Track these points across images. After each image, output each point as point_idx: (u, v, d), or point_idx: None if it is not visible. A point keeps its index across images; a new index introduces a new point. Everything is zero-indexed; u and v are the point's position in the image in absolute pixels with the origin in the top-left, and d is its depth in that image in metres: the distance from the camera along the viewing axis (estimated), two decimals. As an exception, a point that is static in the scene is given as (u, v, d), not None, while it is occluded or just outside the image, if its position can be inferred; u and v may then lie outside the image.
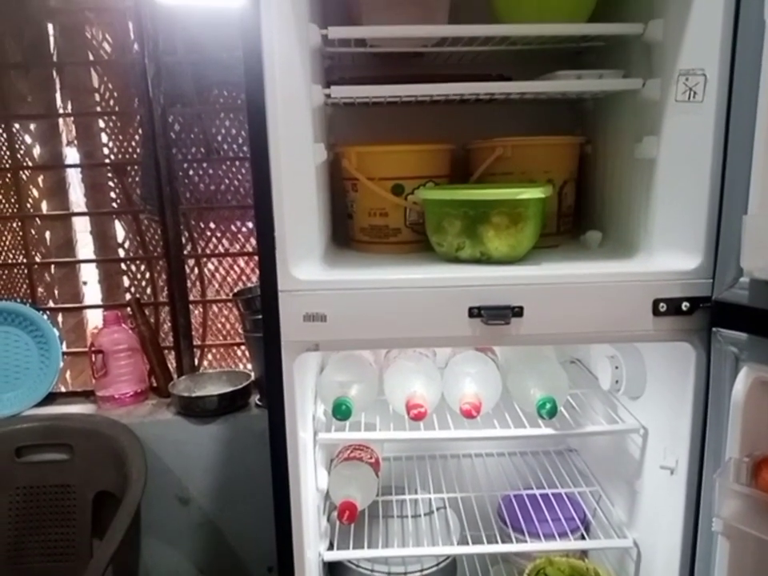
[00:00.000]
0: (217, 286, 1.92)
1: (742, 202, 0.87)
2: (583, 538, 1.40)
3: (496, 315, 0.97)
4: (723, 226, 0.93)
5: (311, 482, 1.15)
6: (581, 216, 1.36)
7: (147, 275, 1.86)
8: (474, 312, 0.98)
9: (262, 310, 0.94)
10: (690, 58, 0.98)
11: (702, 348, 1.00)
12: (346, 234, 1.31)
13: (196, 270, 1.87)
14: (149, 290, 1.86)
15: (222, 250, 1.87)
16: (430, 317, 0.98)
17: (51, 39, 1.72)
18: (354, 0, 1.14)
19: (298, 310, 0.95)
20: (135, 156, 1.79)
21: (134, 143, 1.79)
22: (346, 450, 1.33)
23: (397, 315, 0.97)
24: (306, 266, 0.97)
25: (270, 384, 0.97)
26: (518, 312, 0.98)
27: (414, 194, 1.20)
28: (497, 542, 1.29)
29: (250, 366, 1.87)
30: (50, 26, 1.71)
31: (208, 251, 1.87)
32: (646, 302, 0.99)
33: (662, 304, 0.99)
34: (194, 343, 1.87)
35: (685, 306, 0.99)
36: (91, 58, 1.73)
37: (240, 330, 1.82)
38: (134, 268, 1.87)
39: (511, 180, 1.22)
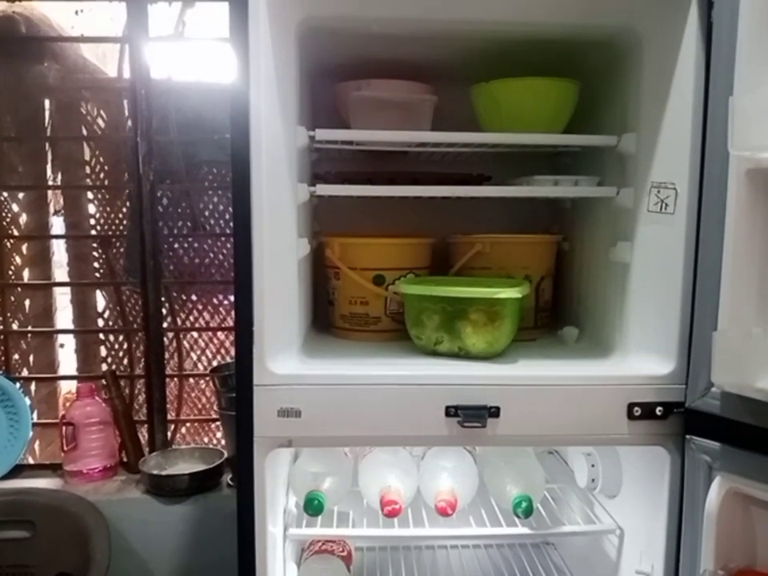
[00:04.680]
0: (195, 357, 1.91)
1: (712, 316, 0.89)
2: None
3: (473, 416, 0.97)
4: (695, 337, 0.95)
5: (279, 578, 1.11)
6: (558, 311, 1.38)
7: (125, 346, 1.84)
8: (451, 411, 0.98)
9: (236, 403, 0.93)
10: (661, 172, 1.02)
11: (677, 453, 1.00)
12: (327, 319, 1.32)
13: (175, 343, 1.85)
14: (125, 361, 1.84)
15: (203, 323, 1.87)
16: (407, 415, 0.98)
17: (47, 114, 1.76)
18: (343, 102, 1.18)
19: (272, 405, 0.94)
20: (121, 228, 1.80)
21: (120, 216, 1.80)
22: (318, 542, 1.29)
23: (373, 412, 0.97)
24: (283, 360, 0.97)
25: (240, 480, 0.95)
26: (494, 412, 0.98)
27: (395, 284, 1.21)
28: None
29: (224, 442, 1.84)
30: (47, 102, 1.75)
31: (188, 323, 1.86)
32: (620, 405, 1.00)
33: (636, 408, 1.00)
34: (168, 417, 1.83)
35: (659, 410, 1.00)
36: (85, 132, 1.77)
37: (215, 407, 1.80)
38: (112, 338, 1.85)
39: (489, 275, 1.24)
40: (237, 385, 0.95)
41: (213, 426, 1.91)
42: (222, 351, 1.89)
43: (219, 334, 1.88)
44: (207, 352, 1.91)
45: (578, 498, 1.34)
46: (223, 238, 1.82)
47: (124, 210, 1.80)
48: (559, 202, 1.42)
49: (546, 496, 1.30)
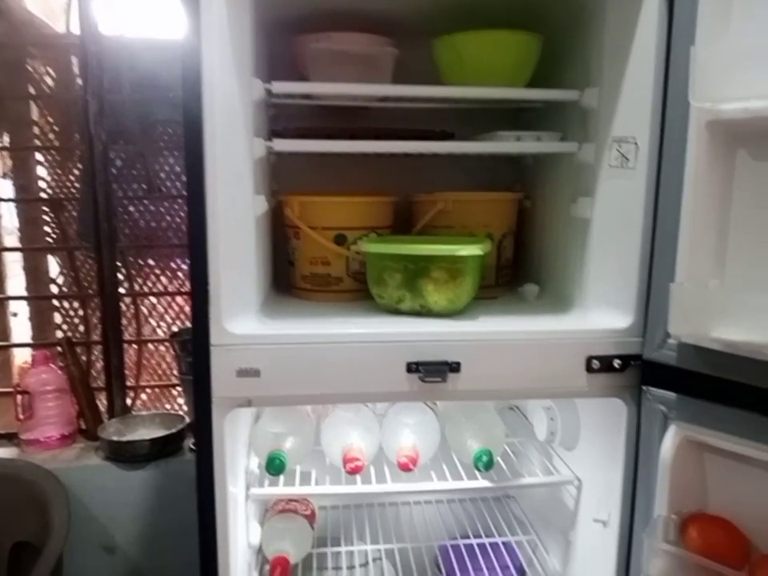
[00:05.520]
0: (155, 323, 1.87)
1: (669, 269, 0.90)
2: (520, 586, 1.40)
3: (433, 371, 0.97)
4: (653, 290, 0.96)
5: (242, 538, 1.11)
6: (519, 268, 1.39)
7: (81, 313, 1.79)
8: (413, 367, 0.97)
9: (192, 364, 0.91)
10: (622, 126, 1.02)
11: (634, 404, 1.02)
12: (288, 280, 1.30)
13: (132, 308, 1.81)
14: (82, 328, 1.80)
15: (161, 288, 1.83)
16: (368, 372, 0.97)
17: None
18: (301, 57, 1.15)
19: (230, 365, 0.92)
20: (74, 191, 1.74)
21: (72, 178, 1.74)
22: (281, 502, 1.29)
23: (333, 370, 0.96)
24: (241, 320, 0.95)
25: (199, 441, 0.94)
26: (455, 368, 0.98)
27: (357, 244, 1.20)
28: (432, 596, 1.27)
29: (186, 408, 1.82)
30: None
31: (146, 289, 1.82)
32: (579, 358, 1.01)
33: (594, 361, 1.01)
34: (128, 384, 1.80)
35: (617, 363, 1.02)
36: (32, 91, 1.69)
37: (176, 373, 1.77)
38: (66, 305, 1.80)
39: (452, 233, 1.24)
40: (193, 345, 0.92)
41: (175, 392, 1.89)
42: (182, 316, 1.85)
43: (179, 299, 1.85)
44: (166, 317, 1.87)
45: (537, 452, 1.37)
46: (180, 200, 1.77)
47: (76, 172, 1.73)
48: (521, 159, 1.41)
49: (507, 450, 1.32)
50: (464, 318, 1.08)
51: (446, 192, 1.24)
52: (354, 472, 1.09)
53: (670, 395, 0.96)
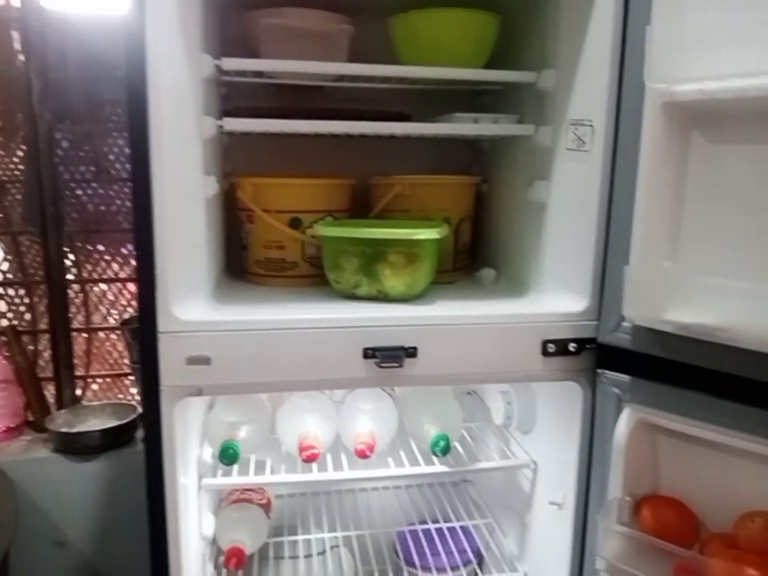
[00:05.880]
0: (105, 311, 1.81)
1: (624, 252, 0.90)
2: (478, 569, 1.41)
3: (390, 357, 0.96)
4: (608, 273, 0.96)
5: (194, 529, 1.08)
6: (477, 253, 1.38)
7: (27, 300, 1.72)
8: (369, 353, 0.96)
9: (139, 351, 0.88)
10: (579, 109, 1.02)
11: (589, 387, 1.03)
12: (241, 265, 1.27)
13: (81, 296, 1.75)
14: (28, 316, 1.73)
15: (112, 274, 1.77)
16: (323, 358, 0.95)
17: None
18: (254, 33, 1.11)
19: (179, 353, 0.89)
20: (17, 173, 1.66)
21: (16, 160, 1.66)
22: (236, 492, 1.27)
23: (287, 357, 0.93)
24: (190, 306, 0.91)
25: (148, 432, 0.91)
26: (411, 353, 0.97)
27: (312, 228, 1.17)
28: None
29: (139, 398, 1.77)
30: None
31: (96, 275, 1.76)
32: (535, 342, 1.01)
33: (550, 345, 1.01)
34: (77, 373, 1.74)
35: (572, 347, 1.02)
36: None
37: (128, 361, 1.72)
38: (12, 292, 1.73)
39: (409, 217, 1.22)
40: (140, 332, 0.89)
41: (128, 381, 1.83)
42: (134, 303, 1.80)
43: (130, 285, 1.79)
44: (117, 305, 1.82)
45: (494, 436, 1.37)
46: (131, 183, 1.71)
47: (20, 153, 1.66)
48: (479, 142, 1.40)
49: (464, 435, 1.32)
50: (421, 303, 1.07)
51: (403, 176, 1.22)
52: (309, 460, 1.07)
53: (625, 378, 0.96)
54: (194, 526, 1.08)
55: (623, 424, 0.95)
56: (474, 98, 1.36)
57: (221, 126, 1.03)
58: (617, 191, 0.94)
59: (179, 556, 0.96)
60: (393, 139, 1.28)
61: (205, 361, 0.89)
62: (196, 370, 0.90)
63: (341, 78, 1.12)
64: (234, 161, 1.31)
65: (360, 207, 1.30)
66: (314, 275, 1.20)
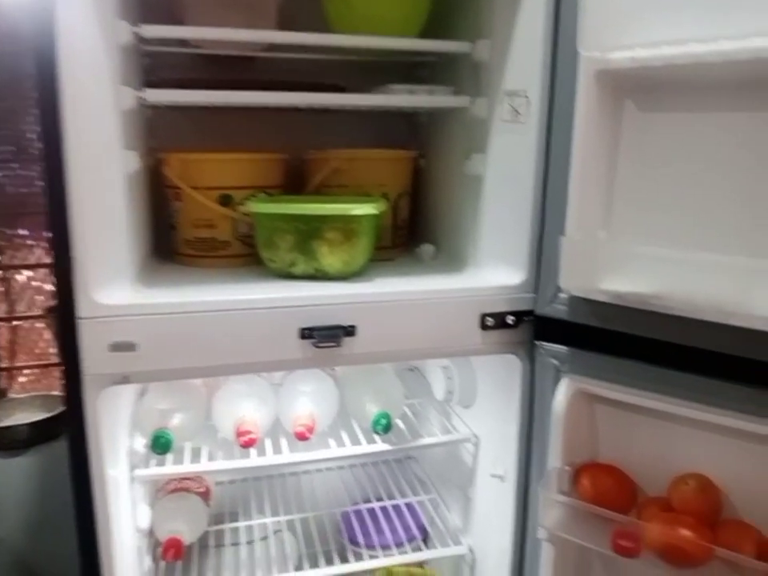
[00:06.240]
0: (29, 299, 1.72)
1: (560, 223, 0.90)
2: (423, 545, 1.41)
3: (327, 336, 0.93)
4: (544, 245, 0.96)
5: (128, 522, 1.04)
6: (415, 229, 1.36)
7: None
8: (306, 333, 0.93)
9: (58, 339, 0.82)
10: (514, 79, 1.01)
11: (528, 360, 1.03)
12: (170, 246, 1.21)
13: (3, 283, 1.65)
14: (-57, 307, 1.63)
15: (35, 260, 1.68)
16: (257, 340, 0.91)
17: None
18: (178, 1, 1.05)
19: (102, 339, 0.84)
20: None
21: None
22: (173, 481, 1.22)
23: (219, 341, 0.89)
24: (113, 289, 0.86)
25: (71, 424, 0.86)
26: (350, 331, 0.95)
27: (244, 205, 1.12)
28: (333, 563, 1.25)
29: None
30: None
31: (18, 261, 1.66)
32: (473, 316, 1.01)
33: (488, 318, 1.01)
34: (1, 365, 1.65)
35: (510, 319, 1.02)
36: None
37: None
38: (-76, 280, 1.62)
39: (347, 193, 1.19)
40: (58, 319, 0.83)
41: (57, 372, 1.75)
42: (59, 289, 1.71)
43: (55, 270, 1.70)
44: (43, 292, 1.73)
45: (436, 411, 1.37)
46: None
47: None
48: (416, 116, 1.38)
49: (407, 412, 1.31)
50: (359, 281, 1.04)
51: (339, 150, 1.19)
52: (247, 445, 1.04)
53: (562, 349, 0.97)
54: (127, 518, 1.04)
55: (561, 394, 0.96)
56: (410, 71, 1.33)
57: (142, 99, 0.97)
58: (552, 162, 0.94)
59: (111, 551, 0.92)
60: (328, 113, 1.24)
61: (129, 347, 0.84)
62: (120, 357, 0.85)
63: (271, 47, 1.07)
64: (161, 136, 1.23)
65: (295, 183, 1.25)
66: (247, 254, 1.16)
